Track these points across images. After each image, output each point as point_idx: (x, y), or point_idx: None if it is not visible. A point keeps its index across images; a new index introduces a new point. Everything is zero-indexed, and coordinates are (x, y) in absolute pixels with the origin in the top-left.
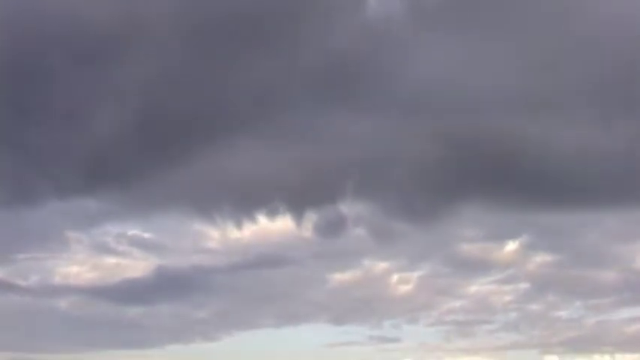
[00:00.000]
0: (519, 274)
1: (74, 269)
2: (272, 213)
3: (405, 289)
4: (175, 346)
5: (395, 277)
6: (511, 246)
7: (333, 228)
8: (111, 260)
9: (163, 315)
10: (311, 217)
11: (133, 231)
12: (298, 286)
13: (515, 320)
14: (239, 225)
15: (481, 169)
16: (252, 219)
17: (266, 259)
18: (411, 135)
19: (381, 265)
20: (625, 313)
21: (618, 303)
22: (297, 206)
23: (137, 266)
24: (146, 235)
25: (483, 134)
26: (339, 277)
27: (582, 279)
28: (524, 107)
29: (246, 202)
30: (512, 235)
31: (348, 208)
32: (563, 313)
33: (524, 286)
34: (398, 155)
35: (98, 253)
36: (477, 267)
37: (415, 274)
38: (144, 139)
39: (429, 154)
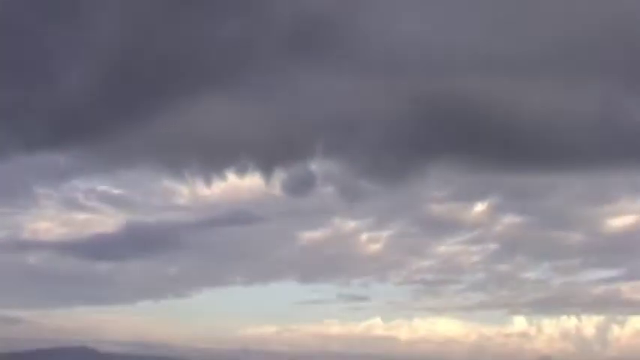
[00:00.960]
0: (487, 235)
1: (43, 225)
2: (241, 170)
3: (374, 248)
4: (146, 302)
5: (364, 237)
6: (479, 207)
7: (302, 186)
8: (80, 216)
9: (133, 271)
10: (280, 175)
11: (103, 187)
12: (268, 244)
13: (483, 280)
14: (208, 182)
15: (450, 131)
16: (222, 176)
17: (235, 217)
18: (382, 96)
19: (351, 225)
20: (592, 274)
21: (585, 265)
22: (266, 164)
23: (107, 222)
24: (115, 191)
25: (453, 96)
26: (309, 236)
27: (550, 241)
28: (493, 70)
29: (215, 159)
30: (480, 197)
31: (317, 166)
32: (530, 275)
33: (492, 246)
34: (368, 116)
35: (67, 208)
36: (446, 227)
37: (384, 234)
38: (113, 95)
39: (399, 115)
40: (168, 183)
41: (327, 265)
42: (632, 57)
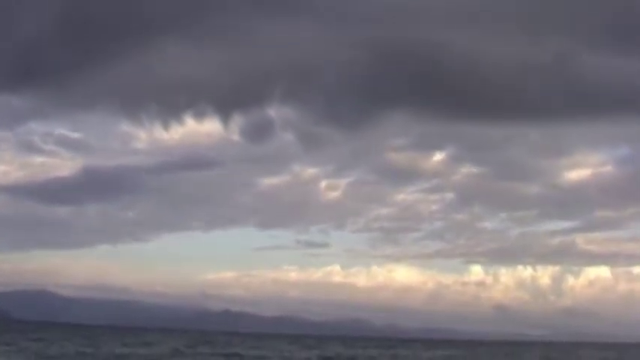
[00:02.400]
0: (446, 184)
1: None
2: (199, 115)
3: (333, 195)
4: (105, 247)
5: (323, 184)
6: (438, 157)
7: (260, 132)
8: (37, 159)
9: (92, 215)
10: (238, 121)
11: (60, 130)
12: (226, 189)
13: (441, 229)
14: (166, 126)
15: (410, 79)
16: (180, 120)
17: (194, 162)
18: (341, 42)
19: (310, 171)
20: (548, 226)
21: (541, 216)
22: (224, 109)
23: (64, 166)
24: (73, 135)
25: (413, 44)
26: (268, 182)
27: (507, 191)
28: (454, 22)
29: (173, 103)
30: (439, 146)
31: (275, 112)
32: (487, 224)
33: (450, 196)
34: (327, 62)
35: (24, 152)
36: (404, 176)
37: (343, 181)
38: (71, 37)
39: (359, 61)
40: (127, 127)
41: (286, 212)
42: (590, 12)
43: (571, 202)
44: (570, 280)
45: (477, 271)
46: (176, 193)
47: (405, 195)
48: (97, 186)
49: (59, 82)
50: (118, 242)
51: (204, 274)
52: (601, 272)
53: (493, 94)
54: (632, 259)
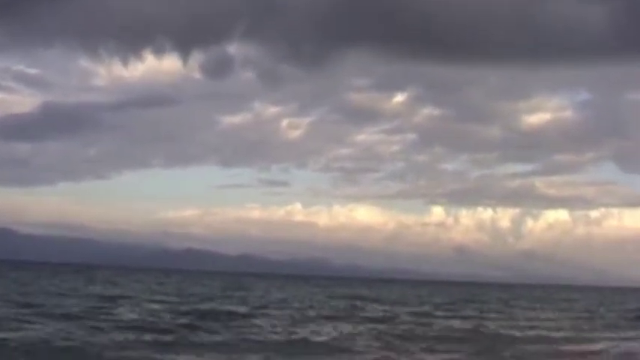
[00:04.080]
0: (407, 125)
1: None
2: (158, 51)
3: (294, 134)
4: (65, 184)
5: (285, 122)
6: (399, 97)
7: (220, 69)
8: None
9: (52, 152)
10: (198, 58)
11: (18, 66)
12: (187, 126)
13: (402, 170)
14: (125, 62)
15: (372, 18)
16: (139, 57)
17: (154, 99)
18: None
19: (272, 110)
20: (507, 168)
21: (501, 159)
22: (183, 45)
23: (23, 102)
24: (31, 71)
25: None
26: (229, 120)
27: (468, 134)
28: None
29: (132, 38)
30: (400, 87)
31: (236, 49)
32: (448, 166)
33: (411, 137)
34: (288, 0)
35: None
36: (366, 116)
37: (305, 120)
38: None
39: (321, 0)
40: (85, 63)
41: (247, 150)
42: None
43: (531, 146)
44: (530, 223)
45: (437, 212)
46: (137, 131)
47: (367, 135)
48: (56, 123)
49: (15, 17)
50: (79, 180)
51: (165, 212)
52: (560, 215)
53: (456, 36)
54: (590, 203)
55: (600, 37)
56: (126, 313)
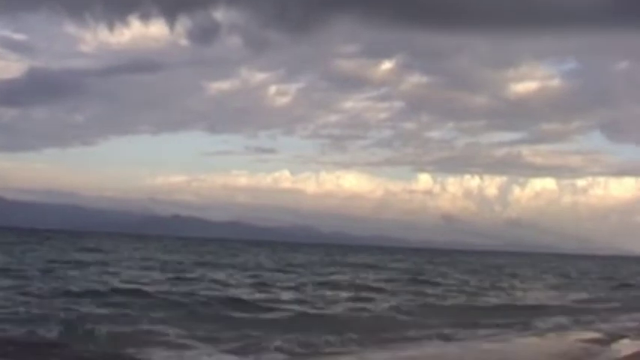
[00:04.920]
0: (394, 92)
1: None
2: (144, 16)
3: (282, 101)
4: (53, 150)
5: (273, 89)
6: (387, 65)
7: (207, 35)
8: None
9: (39, 118)
10: (185, 23)
11: (3, 32)
12: (175, 93)
13: (390, 138)
14: (111, 28)
15: None
16: (125, 22)
17: (141, 64)
18: None
19: (259, 76)
20: (494, 137)
21: (488, 127)
22: (170, 11)
23: (8, 68)
24: (17, 36)
25: None
26: (216, 86)
27: (455, 101)
28: None
29: (118, 3)
30: (387, 54)
31: (222, 15)
32: (435, 134)
33: (398, 104)
34: None
35: None
36: (353, 83)
37: (293, 87)
38: None
39: None
40: (71, 29)
41: (234, 117)
42: None
43: (518, 114)
44: (516, 191)
45: (424, 180)
46: (124, 97)
47: (354, 102)
48: (43, 89)
49: None
50: (66, 146)
51: (152, 178)
52: (546, 184)
53: (444, 3)
54: (576, 171)
55: (589, 5)
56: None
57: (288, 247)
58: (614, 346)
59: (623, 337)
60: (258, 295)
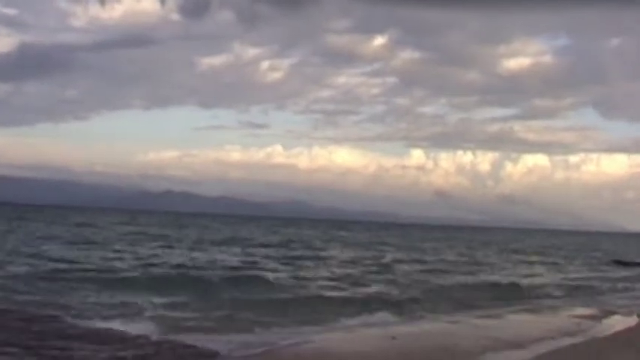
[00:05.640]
0: (387, 68)
1: None
2: None
3: (274, 76)
4: (45, 125)
5: (265, 64)
6: (379, 40)
7: (198, 9)
8: None
9: (31, 93)
10: None
11: None
12: (166, 68)
13: (382, 113)
14: (103, 2)
15: None
16: None
17: (132, 40)
18: None
19: (251, 52)
20: (487, 113)
21: (481, 103)
22: None
23: (0, 42)
24: (7, 11)
25: None
26: (208, 61)
27: (448, 77)
28: None
29: None
30: (380, 29)
31: None
32: (428, 109)
33: (391, 80)
34: None
35: None
36: (346, 59)
37: (285, 62)
38: None
39: None
40: (63, 3)
41: (227, 92)
42: None
43: (510, 90)
44: (509, 167)
45: (417, 155)
46: (116, 72)
47: (347, 78)
48: (34, 63)
49: None
50: (59, 121)
51: (144, 153)
52: (539, 160)
53: None
54: (569, 148)
55: None
56: None
57: (284, 222)
58: (606, 321)
59: (614, 313)
60: None
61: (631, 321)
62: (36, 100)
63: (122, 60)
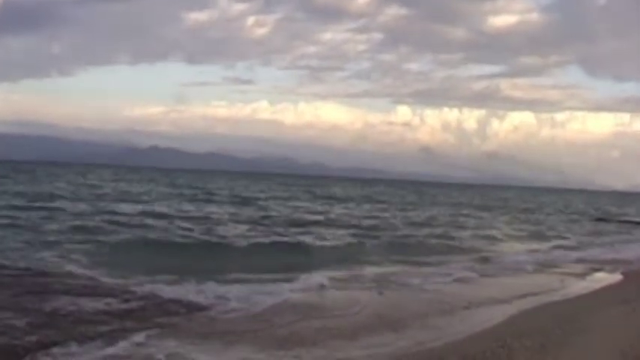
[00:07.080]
0: (373, 24)
1: None
2: None
3: (260, 31)
4: (29, 81)
5: (251, 20)
6: None
7: None
8: None
9: (14, 49)
10: None
11: None
12: (152, 22)
13: (368, 69)
14: None
15: None
16: None
17: None
18: None
19: (237, 7)
20: (472, 70)
21: (466, 60)
22: None
23: None
24: None
25: None
26: (194, 17)
27: (434, 34)
28: None
29: None
30: None
31: None
32: (414, 66)
33: (377, 36)
34: None
35: None
36: (332, 14)
37: (271, 18)
38: None
39: None
40: None
41: (212, 47)
42: None
43: (496, 48)
44: (495, 124)
45: (403, 112)
46: (100, 26)
47: (332, 34)
48: (17, 18)
49: None
50: (43, 76)
51: (131, 109)
52: (525, 117)
53: None
54: (555, 105)
55: None
56: None
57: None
58: (590, 278)
59: (598, 270)
60: None
61: (615, 278)
62: (19, 56)
63: (107, 14)
